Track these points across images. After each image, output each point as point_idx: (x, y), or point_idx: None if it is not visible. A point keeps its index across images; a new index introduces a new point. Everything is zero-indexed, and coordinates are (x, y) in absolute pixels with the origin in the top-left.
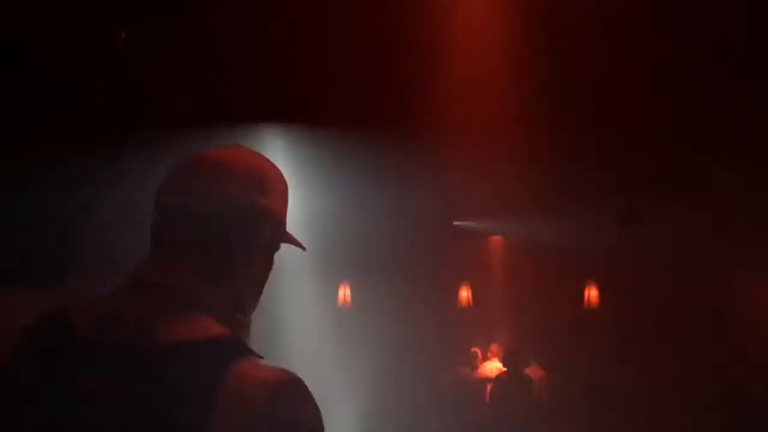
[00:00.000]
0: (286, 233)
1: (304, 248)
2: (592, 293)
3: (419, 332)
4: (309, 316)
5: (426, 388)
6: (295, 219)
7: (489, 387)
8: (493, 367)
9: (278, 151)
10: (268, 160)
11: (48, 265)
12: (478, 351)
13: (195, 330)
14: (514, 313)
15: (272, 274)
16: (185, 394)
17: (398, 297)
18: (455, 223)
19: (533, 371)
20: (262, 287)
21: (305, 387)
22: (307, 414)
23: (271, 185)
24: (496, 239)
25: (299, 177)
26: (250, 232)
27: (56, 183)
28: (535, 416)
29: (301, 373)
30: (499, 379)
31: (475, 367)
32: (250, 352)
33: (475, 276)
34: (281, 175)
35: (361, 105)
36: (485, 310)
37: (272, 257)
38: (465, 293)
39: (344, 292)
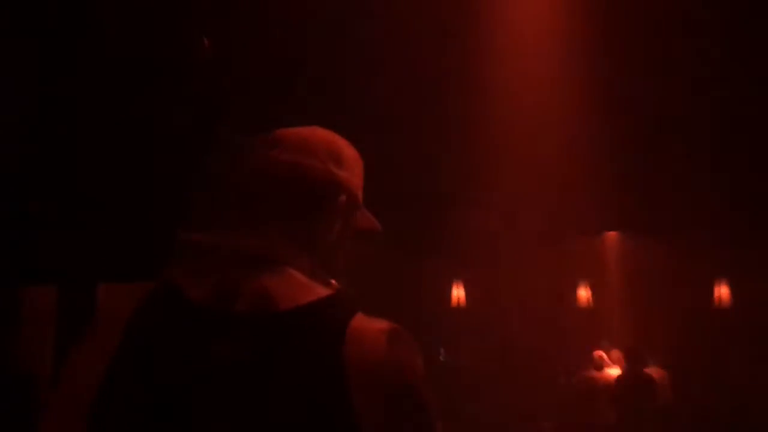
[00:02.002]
0: (363, 209)
1: (379, 228)
2: (723, 292)
3: (536, 332)
4: (422, 316)
5: (543, 390)
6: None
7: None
8: (614, 371)
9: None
10: (344, 139)
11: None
12: (603, 354)
13: (307, 294)
14: (636, 314)
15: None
16: (312, 351)
17: (513, 296)
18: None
19: (653, 372)
20: (343, 254)
21: (410, 335)
22: (419, 360)
23: (347, 160)
24: (612, 235)
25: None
26: (328, 200)
27: (151, 182)
28: (659, 419)
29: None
30: (619, 380)
31: (599, 369)
32: (359, 309)
33: (594, 274)
34: (356, 153)
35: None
36: (605, 311)
37: (349, 227)
38: (584, 292)
39: (458, 292)
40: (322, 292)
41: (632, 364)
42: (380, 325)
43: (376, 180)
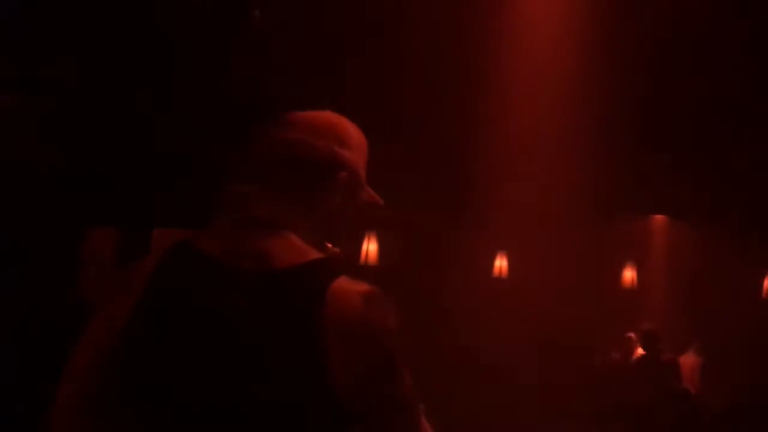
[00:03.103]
0: (366, 186)
1: (381, 203)
2: None
3: (576, 310)
4: (463, 286)
5: (574, 369)
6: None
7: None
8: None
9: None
10: (349, 121)
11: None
12: (633, 336)
13: (299, 256)
14: (680, 298)
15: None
16: (296, 306)
17: (557, 272)
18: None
19: (688, 358)
20: (344, 224)
21: (390, 300)
22: (392, 320)
23: (351, 141)
24: (660, 218)
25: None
26: (329, 175)
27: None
28: (677, 403)
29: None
30: (638, 362)
31: (629, 353)
32: (344, 272)
33: (639, 256)
34: (360, 133)
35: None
36: (649, 293)
37: (349, 199)
38: (629, 274)
39: (501, 263)
40: (313, 255)
41: (648, 348)
42: (359, 287)
43: (427, 154)
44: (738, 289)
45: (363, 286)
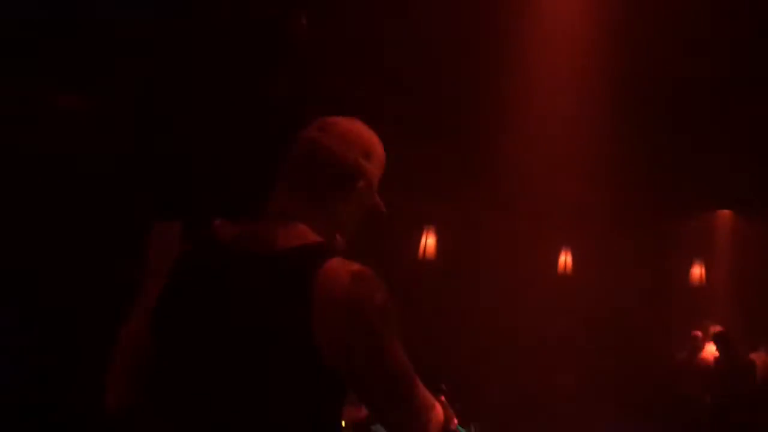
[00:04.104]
0: (374, 194)
1: (383, 210)
2: None
3: (642, 307)
4: (527, 282)
5: (643, 367)
6: None
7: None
8: (712, 351)
9: None
10: (376, 136)
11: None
12: (700, 334)
13: (302, 239)
14: (749, 295)
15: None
16: (294, 281)
17: (623, 268)
18: None
19: (760, 356)
20: (353, 221)
21: (380, 279)
22: (379, 296)
23: (375, 156)
24: (726, 213)
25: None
26: (350, 182)
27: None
28: (759, 403)
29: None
30: (717, 363)
31: (695, 351)
32: (340, 254)
33: (705, 253)
34: (381, 148)
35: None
36: (715, 290)
37: (361, 203)
38: (697, 270)
39: (565, 259)
40: (311, 239)
41: (723, 350)
42: (351, 266)
43: (486, 152)
44: None
45: (354, 266)
